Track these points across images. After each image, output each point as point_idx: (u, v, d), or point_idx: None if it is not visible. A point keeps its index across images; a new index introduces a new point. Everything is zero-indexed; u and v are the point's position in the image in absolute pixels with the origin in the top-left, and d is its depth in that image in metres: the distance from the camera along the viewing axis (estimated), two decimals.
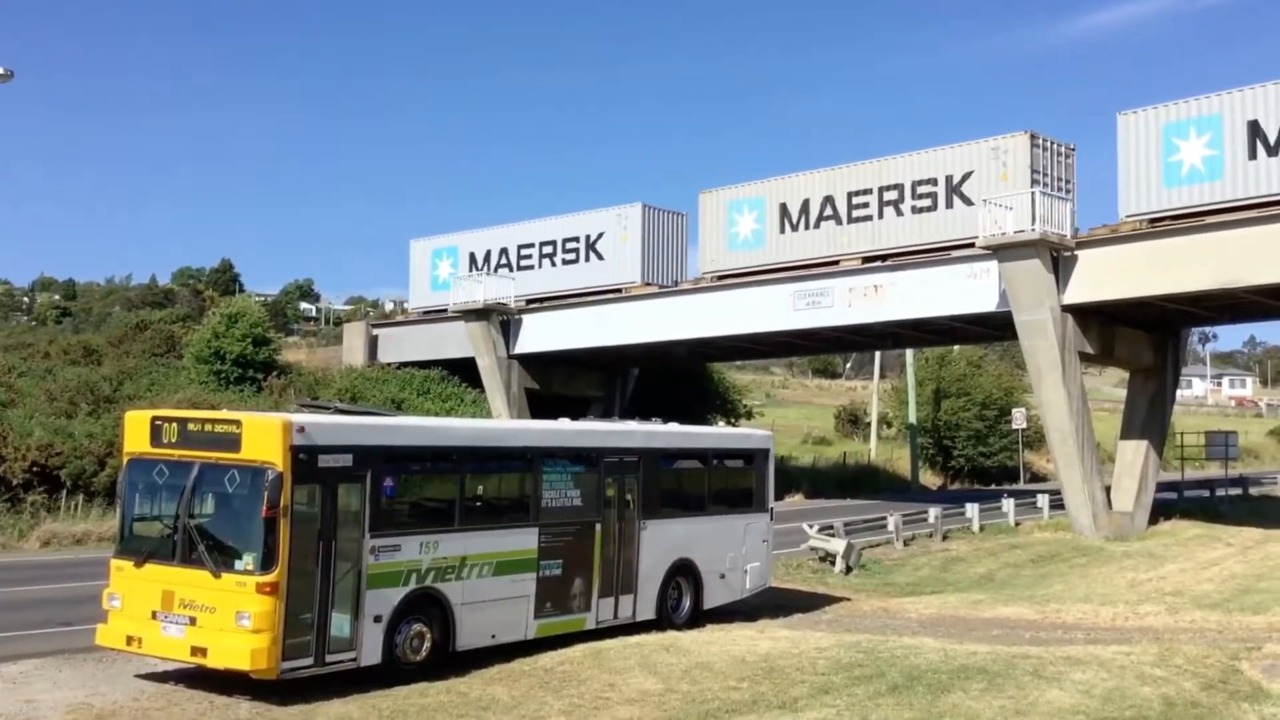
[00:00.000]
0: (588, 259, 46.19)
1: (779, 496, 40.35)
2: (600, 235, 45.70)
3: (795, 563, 27.56)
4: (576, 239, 46.61)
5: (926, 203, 36.85)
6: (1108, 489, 36.84)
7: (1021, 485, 54.39)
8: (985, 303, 35.75)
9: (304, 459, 14.00)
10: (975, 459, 59.36)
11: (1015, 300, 34.27)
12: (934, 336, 46.30)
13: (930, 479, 58.19)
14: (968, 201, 35.59)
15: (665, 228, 45.53)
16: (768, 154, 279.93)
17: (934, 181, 36.84)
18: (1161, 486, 41.35)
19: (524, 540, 17.08)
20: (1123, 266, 33.19)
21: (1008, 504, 36.87)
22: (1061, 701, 14.12)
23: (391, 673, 14.95)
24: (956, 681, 14.83)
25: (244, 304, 52.90)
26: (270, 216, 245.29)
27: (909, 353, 56.82)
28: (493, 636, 16.47)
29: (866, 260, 38.22)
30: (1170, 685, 15.40)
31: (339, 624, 14.40)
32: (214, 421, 14.65)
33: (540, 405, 45.75)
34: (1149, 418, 38.48)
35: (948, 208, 36.36)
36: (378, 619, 14.82)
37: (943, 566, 29.37)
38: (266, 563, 13.64)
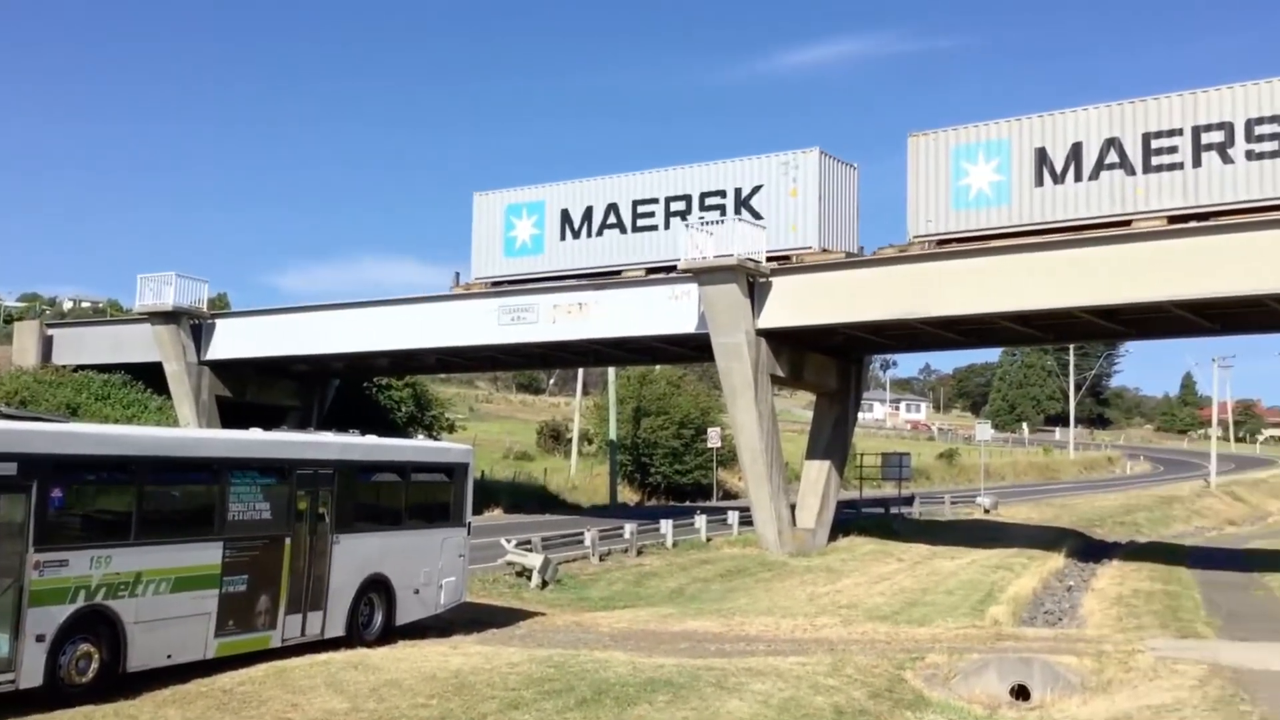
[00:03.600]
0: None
1: (479, 511, 40.27)
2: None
3: (492, 577, 27.48)
4: None
5: (715, 215, 36.45)
6: (793, 506, 38.55)
7: (714, 502, 56.18)
8: (685, 324, 36.80)
9: None
10: (672, 476, 60.95)
11: (713, 323, 35.43)
12: (636, 355, 47.26)
13: (629, 495, 59.32)
14: (756, 215, 35.82)
15: None
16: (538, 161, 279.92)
17: (723, 194, 36.90)
18: (842, 505, 43.62)
19: (206, 555, 16.29)
20: (812, 295, 34.85)
21: (700, 520, 37.99)
22: (741, 712, 14.62)
23: (55, 696, 13.94)
24: (643, 694, 15.13)
25: None
26: None
27: (611, 371, 57.83)
28: (169, 656, 15.62)
29: (651, 271, 37.94)
30: (841, 694, 16.22)
31: None
32: None
33: (233, 414, 43.93)
34: (833, 439, 40.54)
35: (736, 220, 35.89)
36: (40, 638, 13.80)
37: (636, 581, 29.95)
38: None
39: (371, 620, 19.54)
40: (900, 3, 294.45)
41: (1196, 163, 29.25)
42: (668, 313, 37.15)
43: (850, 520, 43.97)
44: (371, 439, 20.99)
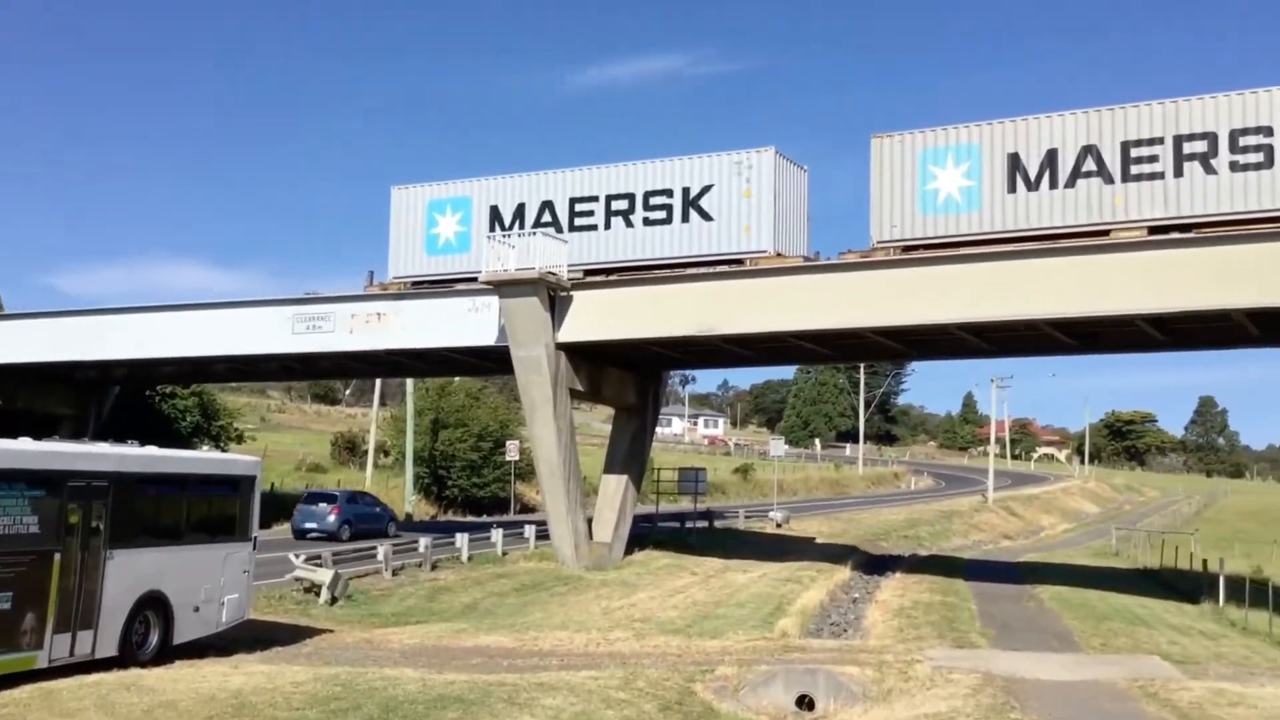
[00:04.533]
0: None
1: (267, 525, 39.10)
2: None
3: (279, 594, 26.68)
4: None
5: (660, 215, 34.92)
6: (590, 520, 38.69)
7: (512, 516, 55.95)
8: (485, 336, 36.59)
9: None
10: (470, 489, 60.40)
11: (513, 336, 35.32)
12: (435, 367, 46.75)
13: (425, 509, 58.50)
14: (706, 216, 34.17)
15: None
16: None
17: (669, 193, 34.90)
18: (639, 518, 44.03)
19: None
20: (613, 309, 35.12)
21: (496, 534, 37.75)
22: None
23: None
24: (433, 711, 14.90)
25: None
26: None
27: (409, 382, 57.00)
28: None
29: (589, 273, 35.77)
30: (632, 708, 16.30)
31: None
32: None
33: (2, 423, 41.47)
34: (630, 453, 40.87)
35: (684, 221, 34.55)
36: None
37: (430, 596, 29.52)
38: None
39: (147, 639, 18.72)
40: (709, 23, 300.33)
41: (1179, 173, 28.64)
42: (468, 325, 36.87)
43: (647, 534, 44.37)
44: (151, 450, 20.14)
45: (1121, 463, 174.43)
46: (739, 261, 33.57)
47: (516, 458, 56.97)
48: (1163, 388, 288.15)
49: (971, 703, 16.92)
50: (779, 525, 55.68)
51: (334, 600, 26.82)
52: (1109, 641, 24.94)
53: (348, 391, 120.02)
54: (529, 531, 39.54)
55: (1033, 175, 30.18)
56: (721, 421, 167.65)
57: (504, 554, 36.73)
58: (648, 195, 35.18)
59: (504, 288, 35.04)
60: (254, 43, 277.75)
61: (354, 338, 38.59)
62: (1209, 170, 28.25)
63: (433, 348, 38.97)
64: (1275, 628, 27.80)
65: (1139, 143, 29.11)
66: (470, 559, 34.77)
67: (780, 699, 19.18)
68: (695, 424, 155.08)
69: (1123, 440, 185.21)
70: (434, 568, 32.72)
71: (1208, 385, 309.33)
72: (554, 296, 35.11)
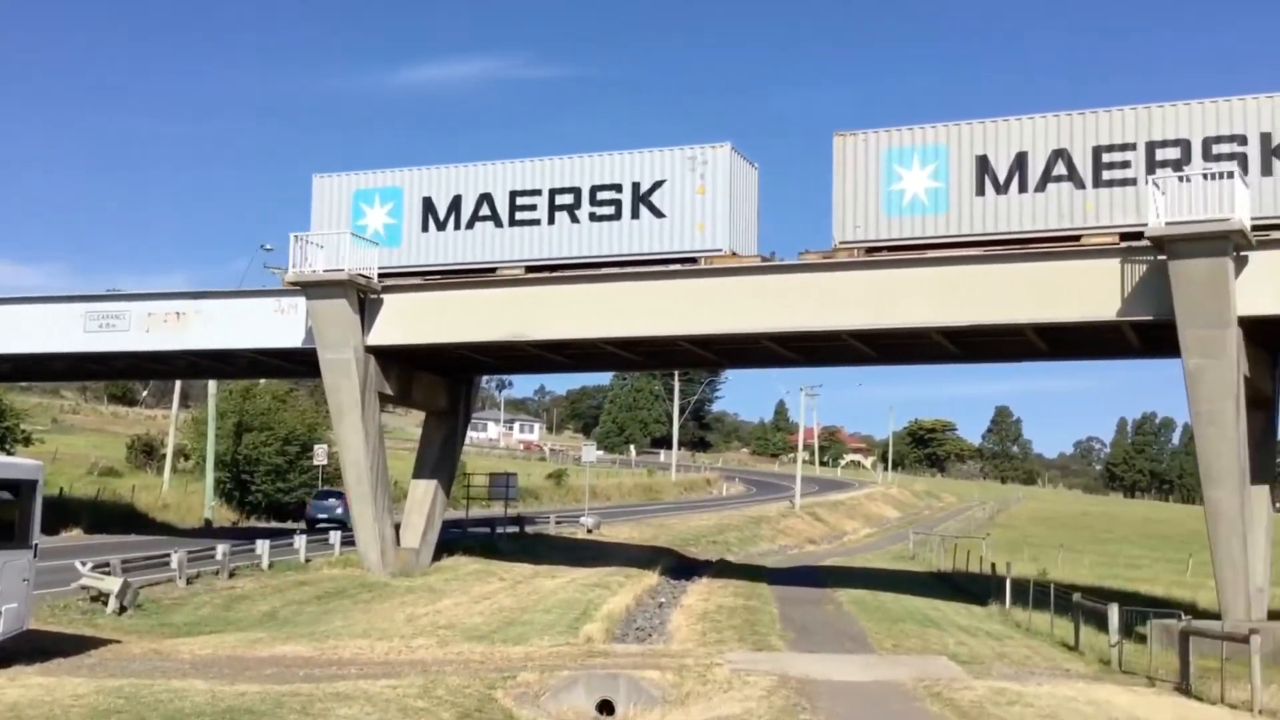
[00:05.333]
0: None
1: (54, 531, 37.43)
2: None
3: (63, 603, 25.48)
4: None
5: (609, 210, 33.30)
6: (398, 526, 38.15)
7: None
8: (292, 338, 35.77)
9: None
10: (274, 494, 58.79)
11: (321, 338, 34.63)
12: (240, 370, 45.43)
13: (226, 514, 56.72)
14: (657, 212, 32.76)
15: None
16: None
17: (618, 188, 33.30)
18: (449, 524, 43.63)
19: None
20: (423, 313, 34.74)
21: (299, 540, 36.88)
22: None
23: None
24: None
25: None
26: None
27: (212, 383, 55.19)
28: None
29: (530, 270, 34.16)
30: (430, 716, 16.14)
31: None
32: None
33: None
34: (441, 458, 40.46)
35: (634, 217, 32.97)
36: None
37: (226, 605, 28.63)
38: None
39: None
40: (513, 30, 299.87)
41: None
42: (274, 326, 36.00)
43: (457, 540, 43.98)
44: None
45: (923, 469, 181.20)
46: (693, 260, 32.40)
47: (324, 462, 55.73)
48: (962, 398, 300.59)
49: (765, 704, 17.29)
50: (590, 531, 55.90)
51: (123, 609, 25.76)
52: (901, 643, 25.83)
53: (146, 392, 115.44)
54: (334, 537, 38.78)
55: (1002, 178, 29.63)
56: (537, 426, 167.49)
57: (307, 560, 35.90)
58: (595, 190, 33.55)
59: (311, 289, 34.30)
60: (69, 30, 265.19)
61: (150, 337, 37.22)
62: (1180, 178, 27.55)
63: (236, 349, 37.88)
64: (1056, 629, 29.21)
65: (1111, 148, 28.79)
66: (271, 566, 33.86)
67: (581, 704, 19.26)
68: (511, 429, 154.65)
69: (924, 448, 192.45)
70: (232, 575, 31.75)
71: (1004, 396, 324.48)
72: (364, 299, 34.54)
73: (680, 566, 45.33)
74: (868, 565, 52.31)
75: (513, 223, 34.27)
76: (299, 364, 40.11)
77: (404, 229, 35.48)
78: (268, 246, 48.86)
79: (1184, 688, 20.58)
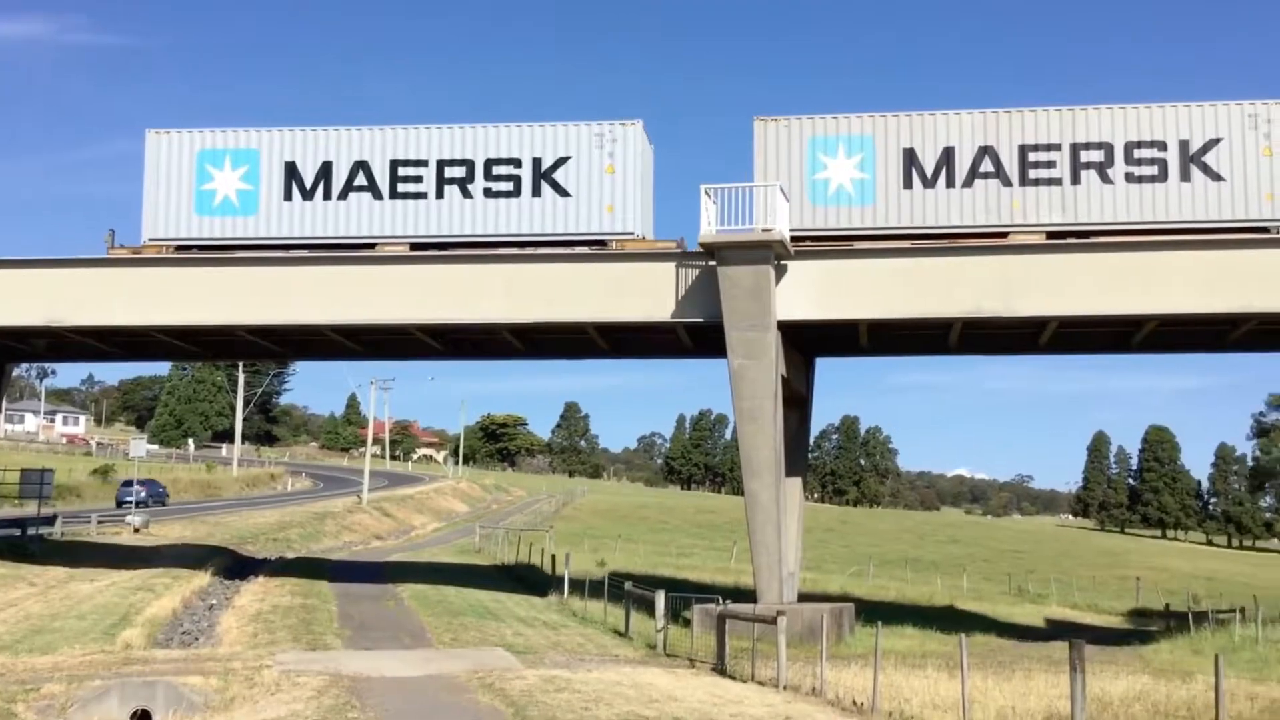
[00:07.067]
0: None
1: None
2: None
3: None
4: None
5: (506, 186, 30.90)
6: None
7: None
8: None
9: None
10: None
11: None
12: None
13: None
14: (562, 191, 30.55)
15: None
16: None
17: (517, 163, 30.91)
18: None
19: None
20: None
21: None
22: None
23: None
24: None
25: None
26: None
27: None
28: None
29: (415, 246, 31.14)
30: None
31: None
32: None
33: None
34: None
35: (534, 195, 30.74)
36: None
37: None
38: None
39: None
40: None
41: (1075, 180, 28.92)
42: None
43: None
44: None
45: (494, 464, 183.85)
46: (602, 243, 30.62)
47: None
48: (533, 393, 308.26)
49: (314, 705, 16.80)
50: (137, 530, 52.41)
51: None
52: (459, 636, 25.97)
53: None
54: None
55: (929, 172, 29.56)
56: (84, 419, 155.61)
57: None
58: (490, 163, 31.23)
59: None
60: None
61: None
62: (1105, 180, 28.86)
63: None
64: (610, 617, 30.39)
65: (1036, 147, 29.25)
66: None
67: (114, 714, 18.06)
68: (53, 421, 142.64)
69: (496, 442, 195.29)
70: None
71: (573, 392, 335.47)
72: None
73: (236, 566, 43.42)
74: (433, 560, 52.34)
75: (394, 194, 31.64)
76: None
77: (261, 196, 32.10)
78: None
79: (720, 668, 21.97)
